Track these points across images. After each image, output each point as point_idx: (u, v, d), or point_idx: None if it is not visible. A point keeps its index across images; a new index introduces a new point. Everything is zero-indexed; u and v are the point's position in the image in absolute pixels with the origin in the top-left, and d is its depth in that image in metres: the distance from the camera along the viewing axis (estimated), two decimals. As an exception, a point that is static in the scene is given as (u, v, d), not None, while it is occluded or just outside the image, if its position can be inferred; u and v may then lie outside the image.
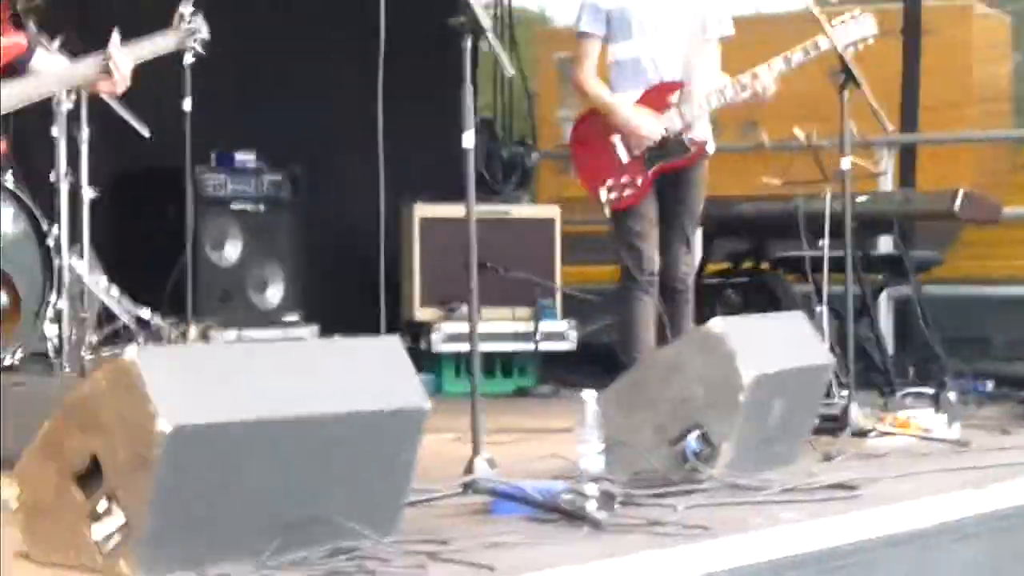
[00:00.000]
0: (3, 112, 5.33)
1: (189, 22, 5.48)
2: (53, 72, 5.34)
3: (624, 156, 6.97)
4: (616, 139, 6.97)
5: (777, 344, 5.48)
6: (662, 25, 6.99)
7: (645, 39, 7.00)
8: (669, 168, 7.00)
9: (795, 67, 6.89)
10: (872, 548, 4.53)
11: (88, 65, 5.28)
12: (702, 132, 7.08)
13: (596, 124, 7.05)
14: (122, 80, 5.32)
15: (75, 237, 7.16)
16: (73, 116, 7.13)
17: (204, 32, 5.53)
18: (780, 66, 6.91)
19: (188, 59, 5.64)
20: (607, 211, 6.94)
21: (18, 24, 5.29)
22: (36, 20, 6.31)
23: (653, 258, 6.94)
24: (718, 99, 7.01)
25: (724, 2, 7.23)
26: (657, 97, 7.00)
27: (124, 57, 5.28)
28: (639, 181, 6.96)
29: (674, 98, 6.99)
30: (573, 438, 4.93)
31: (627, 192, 6.95)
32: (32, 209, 6.78)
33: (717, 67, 7.12)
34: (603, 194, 6.93)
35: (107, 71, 5.27)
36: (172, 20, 5.49)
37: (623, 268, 7.01)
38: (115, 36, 5.30)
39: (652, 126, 6.91)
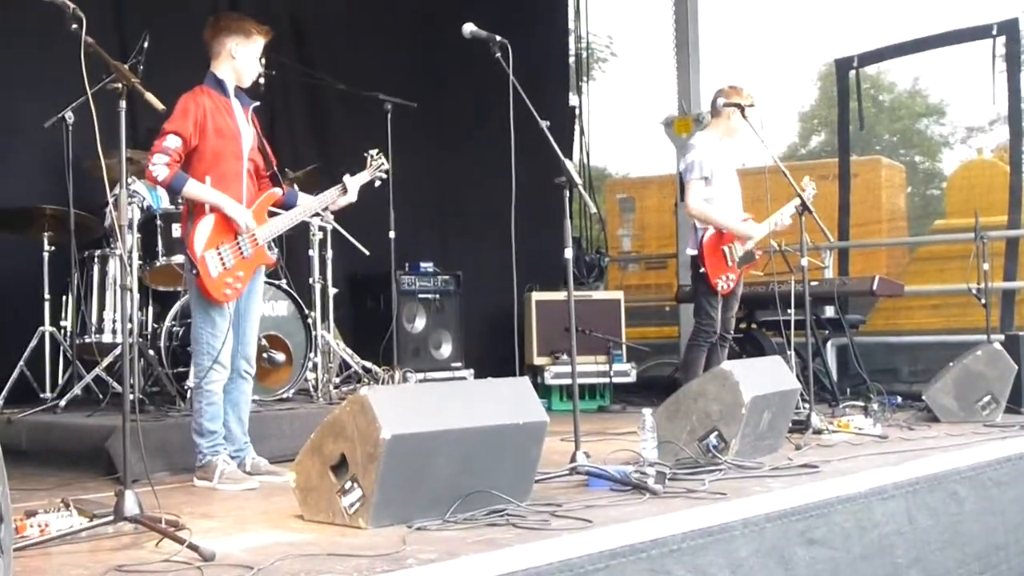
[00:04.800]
0: (285, 230, 5.38)
1: (376, 159, 5.56)
2: (312, 199, 5.39)
3: (729, 259, 6.93)
4: (727, 248, 6.92)
5: (764, 377, 5.43)
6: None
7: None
8: (744, 269, 7.04)
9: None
10: (828, 505, 4.47)
11: (331, 192, 5.35)
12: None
13: (718, 238, 6.93)
14: (352, 195, 5.40)
15: (324, 317, 7.23)
16: (322, 242, 7.23)
17: (386, 165, 5.59)
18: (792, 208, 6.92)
19: (377, 184, 5.67)
20: (720, 295, 6.86)
21: (276, 182, 5.32)
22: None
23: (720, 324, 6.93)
24: (771, 228, 7.04)
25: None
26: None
27: (353, 182, 5.39)
28: (735, 276, 6.96)
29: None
30: (637, 438, 4.92)
31: (730, 284, 6.93)
32: (298, 300, 6.88)
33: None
34: (719, 284, 6.86)
35: (344, 192, 5.36)
36: (366, 162, 5.56)
37: (696, 328, 6.94)
38: (347, 175, 5.39)
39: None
